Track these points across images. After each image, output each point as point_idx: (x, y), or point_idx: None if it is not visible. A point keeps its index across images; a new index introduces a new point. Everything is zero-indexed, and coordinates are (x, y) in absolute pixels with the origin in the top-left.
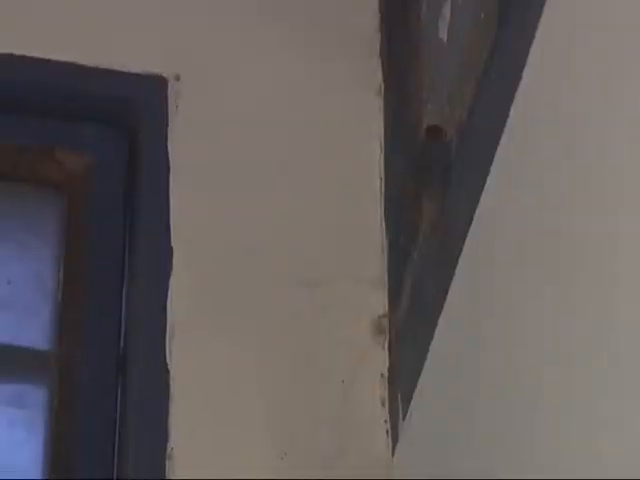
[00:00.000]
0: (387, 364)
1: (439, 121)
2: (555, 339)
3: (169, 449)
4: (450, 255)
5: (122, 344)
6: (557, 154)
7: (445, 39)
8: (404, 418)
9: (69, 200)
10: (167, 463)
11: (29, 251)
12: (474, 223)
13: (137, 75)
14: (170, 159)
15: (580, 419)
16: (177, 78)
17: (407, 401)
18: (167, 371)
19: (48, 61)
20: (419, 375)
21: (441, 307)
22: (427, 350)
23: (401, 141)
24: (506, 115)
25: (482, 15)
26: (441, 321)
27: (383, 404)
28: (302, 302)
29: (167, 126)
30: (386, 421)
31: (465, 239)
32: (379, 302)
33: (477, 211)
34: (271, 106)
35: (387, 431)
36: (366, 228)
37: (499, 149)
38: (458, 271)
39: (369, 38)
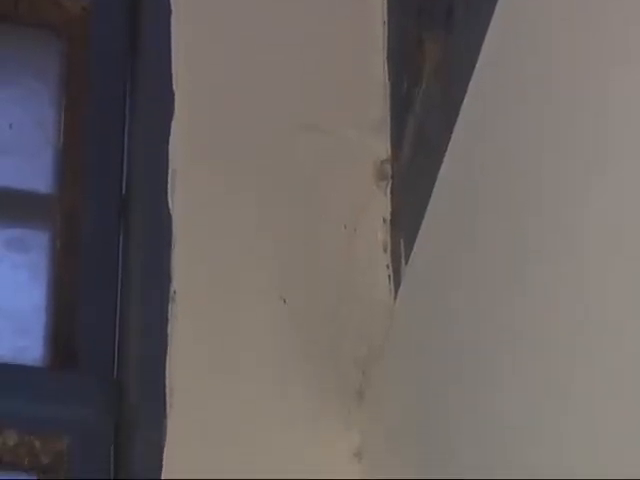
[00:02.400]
0: (389, 209)
1: None
2: (559, 185)
3: (172, 292)
4: (453, 100)
5: (124, 188)
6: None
7: None
8: (406, 263)
9: (69, 43)
10: (170, 306)
11: (30, 95)
12: (477, 67)
13: None
14: (172, 1)
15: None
16: None
17: (410, 246)
18: (169, 215)
19: None
20: (421, 220)
21: (444, 152)
22: (429, 195)
23: None
24: None
25: None
26: (444, 166)
27: (385, 249)
28: (303, 147)
29: None
30: (388, 266)
31: (468, 83)
32: (381, 147)
33: (480, 55)
34: None
35: (389, 276)
36: (368, 72)
37: None
38: (461, 116)
39: None
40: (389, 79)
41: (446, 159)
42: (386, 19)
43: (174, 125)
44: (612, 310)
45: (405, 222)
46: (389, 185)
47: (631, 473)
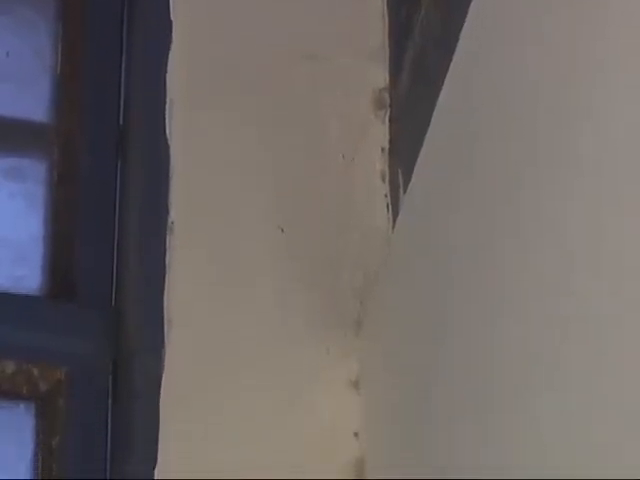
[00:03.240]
0: (387, 138)
1: None
2: (556, 112)
3: (169, 223)
4: (453, 27)
5: (122, 118)
6: None
7: None
8: (404, 192)
9: None
10: (168, 237)
11: (27, 25)
12: None
13: None
14: None
15: None
16: None
17: (408, 175)
18: (167, 145)
19: None
20: (420, 149)
21: (443, 81)
22: (428, 124)
23: None
24: None
25: None
26: (442, 94)
27: (383, 179)
28: (302, 76)
29: None
30: (386, 195)
31: (468, 11)
32: (380, 75)
33: None
34: None
35: (387, 205)
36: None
37: None
38: (460, 44)
39: None
40: (388, 6)
41: (445, 87)
42: None
43: (172, 55)
44: (610, 226)
45: (403, 151)
46: (387, 114)
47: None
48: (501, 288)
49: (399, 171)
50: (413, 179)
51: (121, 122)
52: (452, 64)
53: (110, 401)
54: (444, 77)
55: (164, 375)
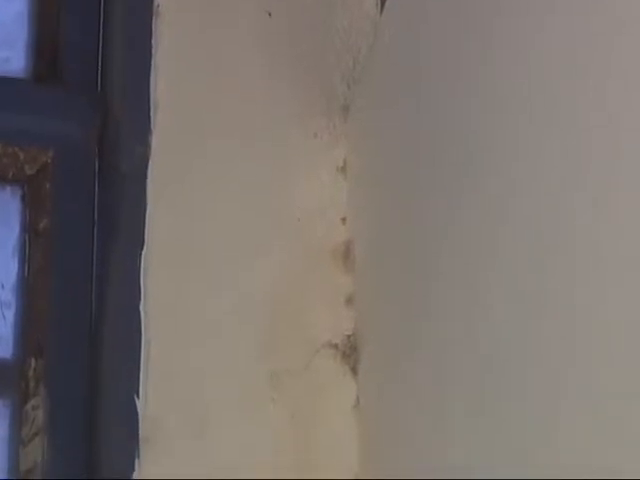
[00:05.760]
0: None
1: None
2: None
3: (155, 6)
4: None
5: None
6: None
7: None
8: None
9: None
10: (154, 20)
11: None
12: None
13: None
14: None
15: None
16: None
17: None
18: None
19: None
20: None
21: None
22: None
23: None
24: None
25: None
26: None
27: None
28: None
29: None
30: None
31: None
32: None
33: None
34: None
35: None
36: None
37: None
38: None
39: None
40: None
41: None
42: None
43: None
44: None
45: None
46: None
47: None
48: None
49: None
50: None
51: None
52: None
53: (97, 184)
54: None
55: (151, 157)
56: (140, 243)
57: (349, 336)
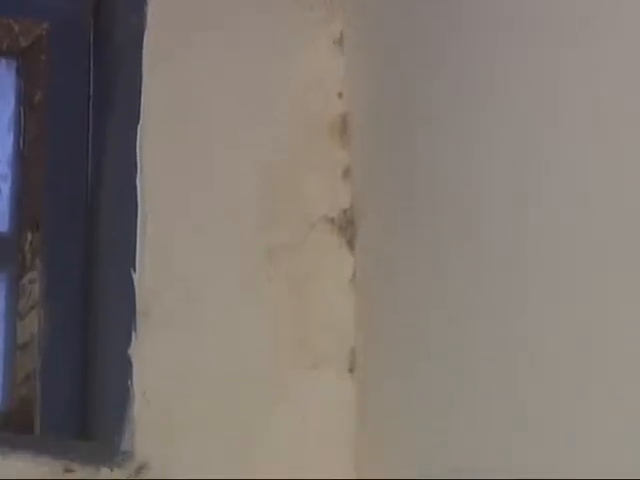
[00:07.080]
0: None
1: None
2: None
3: None
4: None
5: None
6: None
7: None
8: None
9: None
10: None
11: None
12: None
13: None
14: None
15: None
16: None
17: None
18: None
19: None
20: None
21: None
22: None
23: None
24: None
25: None
26: None
27: None
28: None
29: None
30: None
31: None
32: None
33: None
34: None
35: None
36: None
37: None
38: None
39: None
40: None
41: None
42: None
43: None
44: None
45: None
46: None
47: None
48: None
49: None
50: None
51: None
52: None
53: (92, 56)
54: None
55: (147, 27)
56: (136, 115)
57: (345, 210)
